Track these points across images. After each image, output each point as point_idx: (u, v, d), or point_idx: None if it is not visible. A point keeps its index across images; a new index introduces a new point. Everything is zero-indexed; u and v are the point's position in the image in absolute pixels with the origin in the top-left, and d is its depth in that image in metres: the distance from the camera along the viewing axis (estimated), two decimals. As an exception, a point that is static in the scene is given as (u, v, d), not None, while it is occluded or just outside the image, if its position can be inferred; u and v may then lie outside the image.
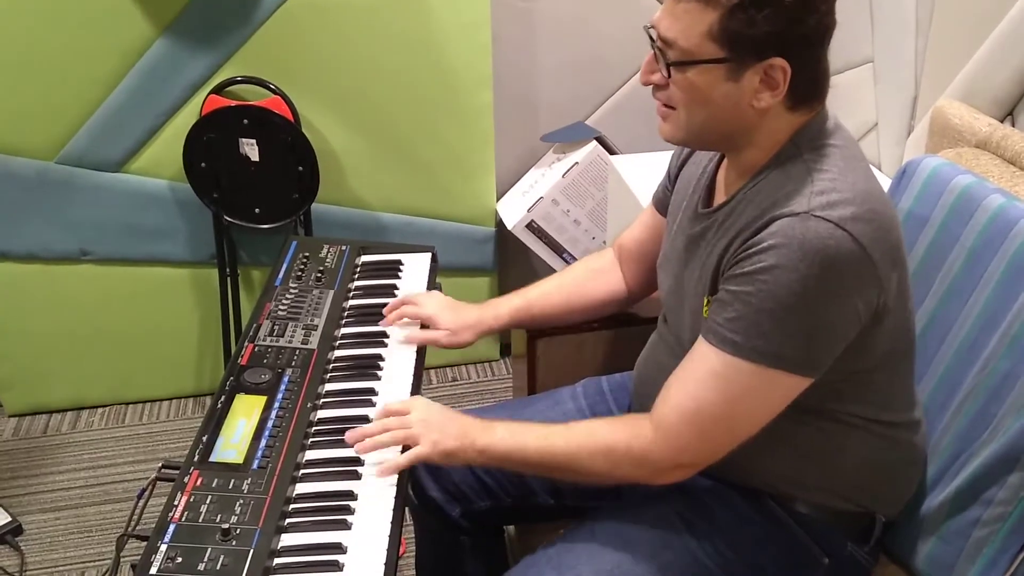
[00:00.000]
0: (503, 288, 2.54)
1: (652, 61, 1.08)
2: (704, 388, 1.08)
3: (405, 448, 1.18)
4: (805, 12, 1.01)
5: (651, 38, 1.08)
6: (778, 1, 0.99)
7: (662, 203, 1.40)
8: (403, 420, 1.20)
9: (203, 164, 2.12)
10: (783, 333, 1.03)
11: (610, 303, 1.50)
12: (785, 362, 1.04)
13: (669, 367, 1.14)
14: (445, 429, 1.18)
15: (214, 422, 1.21)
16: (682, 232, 1.24)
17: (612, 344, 1.61)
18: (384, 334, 1.44)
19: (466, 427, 1.20)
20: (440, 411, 1.23)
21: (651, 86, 1.11)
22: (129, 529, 1.16)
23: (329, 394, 1.30)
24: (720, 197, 1.19)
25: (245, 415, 1.22)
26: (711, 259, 1.13)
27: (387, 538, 1.07)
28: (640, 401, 1.33)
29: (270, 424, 1.21)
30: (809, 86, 1.07)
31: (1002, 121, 1.60)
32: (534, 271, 2.51)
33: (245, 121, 2.08)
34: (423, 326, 1.45)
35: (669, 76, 1.06)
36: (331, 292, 1.51)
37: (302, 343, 1.38)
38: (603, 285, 1.50)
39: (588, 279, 1.51)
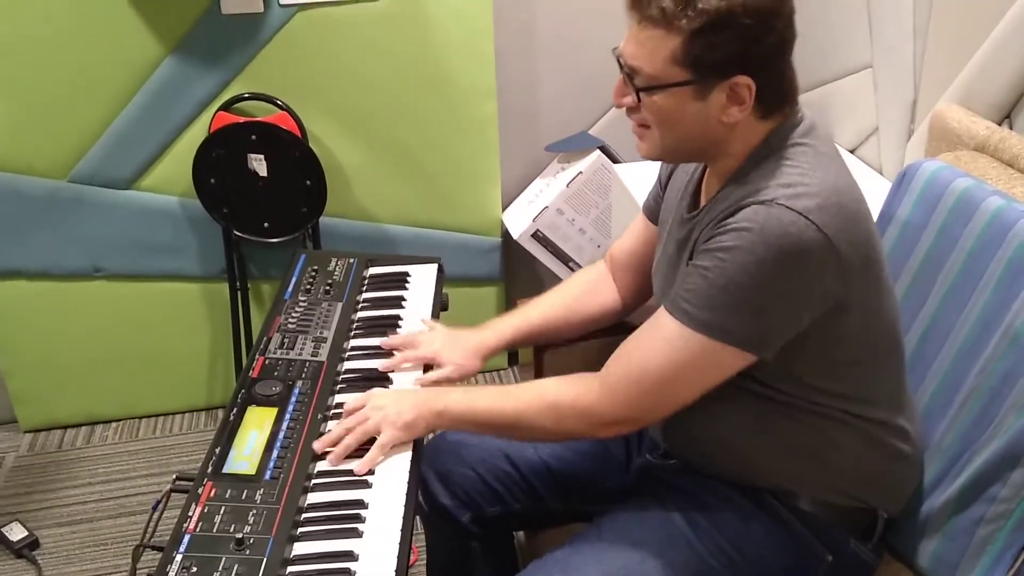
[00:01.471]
0: (510, 297, 2.56)
1: (622, 85, 1.12)
2: (652, 351, 1.12)
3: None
4: (764, 32, 1.04)
5: (620, 63, 1.11)
6: (737, 24, 1.02)
7: (652, 211, 1.43)
8: (359, 416, 1.23)
9: (212, 180, 2.14)
10: (732, 309, 1.06)
11: (607, 315, 1.52)
12: (731, 337, 1.08)
13: None
14: (399, 406, 1.22)
15: (226, 434, 1.23)
16: (672, 238, 1.27)
17: (617, 351, 1.63)
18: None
19: (419, 397, 1.25)
20: (392, 393, 1.27)
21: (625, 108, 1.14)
22: (145, 540, 1.17)
23: (339, 405, 1.31)
24: (703, 202, 1.22)
25: (257, 427, 1.24)
26: (689, 255, 1.16)
27: (398, 545, 1.08)
28: None
29: (281, 435, 1.23)
30: (776, 96, 1.11)
31: (1000, 124, 1.61)
32: (540, 280, 2.52)
33: (253, 137, 2.10)
34: (426, 368, 1.42)
35: (639, 100, 1.10)
36: (340, 304, 1.53)
37: (312, 355, 1.39)
38: (599, 298, 1.51)
39: (584, 293, 1.52)
